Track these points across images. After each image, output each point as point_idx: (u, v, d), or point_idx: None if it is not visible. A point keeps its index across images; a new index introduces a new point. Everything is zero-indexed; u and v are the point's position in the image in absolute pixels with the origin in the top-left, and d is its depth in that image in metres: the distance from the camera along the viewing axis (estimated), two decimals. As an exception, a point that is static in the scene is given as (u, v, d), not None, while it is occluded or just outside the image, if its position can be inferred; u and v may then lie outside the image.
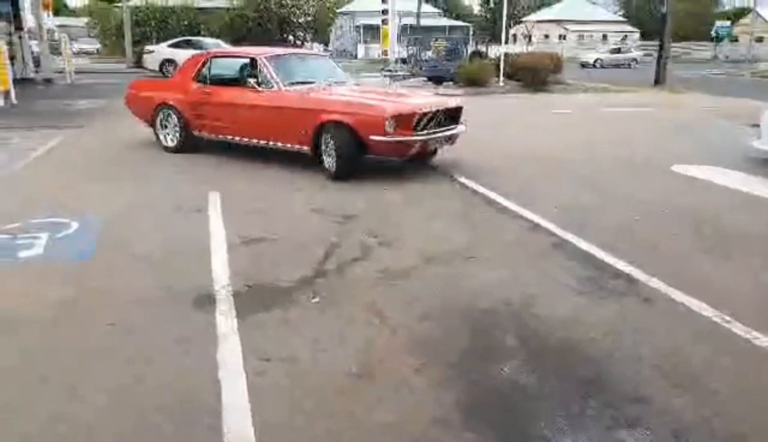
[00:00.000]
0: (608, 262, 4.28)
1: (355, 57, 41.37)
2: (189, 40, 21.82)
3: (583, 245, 4.63)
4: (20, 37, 17.11)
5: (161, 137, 8.07)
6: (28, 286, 3.81)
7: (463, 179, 6.76)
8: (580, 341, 3.17)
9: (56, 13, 34.07)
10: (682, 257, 4.45)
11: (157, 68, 20.94)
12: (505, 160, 8.06)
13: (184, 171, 7.08)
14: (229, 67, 7.98)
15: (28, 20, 17.99)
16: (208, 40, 21.67)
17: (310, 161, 6.90)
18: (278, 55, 7.59)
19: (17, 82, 14.32)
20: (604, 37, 57.23)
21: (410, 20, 34.01)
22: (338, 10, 44.83)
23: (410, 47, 23.61)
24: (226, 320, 3.34)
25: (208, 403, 2.59)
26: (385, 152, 6.60)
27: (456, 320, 3.41)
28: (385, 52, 26.83)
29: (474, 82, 18.14)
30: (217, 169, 7.18)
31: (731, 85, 23.35)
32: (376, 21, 30.09)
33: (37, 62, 18.15)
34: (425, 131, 6.59)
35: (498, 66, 19.35)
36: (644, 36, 58.70)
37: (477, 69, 18.64)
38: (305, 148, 6.79)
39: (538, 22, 57.66)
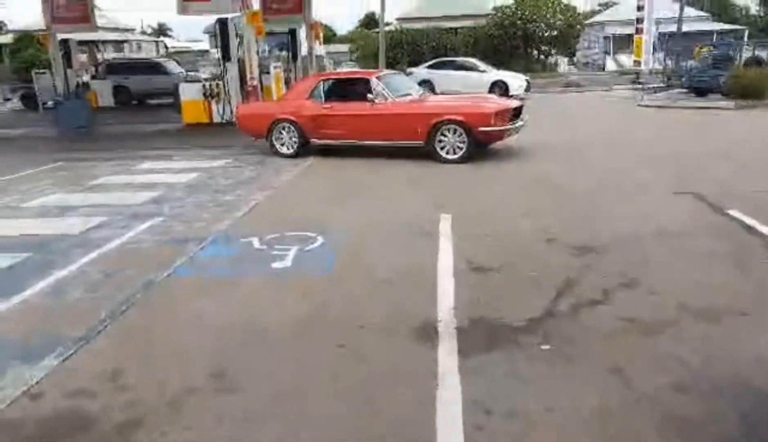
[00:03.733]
0: None
1: (603, 69, 38.76)
2: (443, 61, 22.34)
3: None
4: (294, 66, 19.70)
5: (277, 148, 9.89)
6: (274, 297, 4.18)
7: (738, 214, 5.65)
8: None
9: (327, 41, 38.73)
10: None
11: None
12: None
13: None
14: (338, 86, 10.02)
15: (303, 49, 20.58)
16: (460, 60, 22.01)
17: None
18: (381, 76, 9.71)
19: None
20: None
21: (671, 27, 30.67)
22: (586, 22, 42.64)
23: (669, 56, 21.16)
24: (448, 357, 3.20)
25: (422, 450, 2.45)
26: (489, 140, 8.95)
27: (722, 400, 2.74)
28: (637, 63, 24.57)
29: (749, 94, 15.42)
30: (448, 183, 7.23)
31: None
32: (628, 30, 27.82)
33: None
34: (510, 123, 8.82)
35: (782, 74, 16.17)
36: None
37: (755, 78, 15.81)
38: (420, 143, 8.90)
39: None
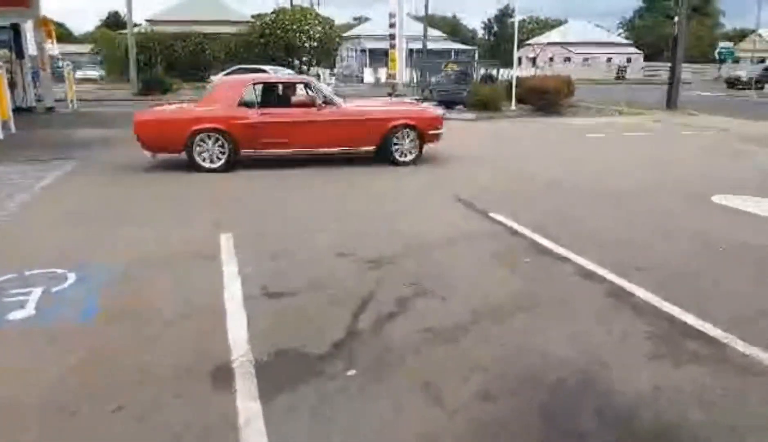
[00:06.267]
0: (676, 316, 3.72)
1: (362, 81, 41.18)
2: (241, 69, 20.86)
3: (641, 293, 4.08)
4: (20, 66, 16.79)
5: (199, 161, 8.43)
6: (20, 357, 3.26)
7: (499, 217, 6.23)
8: (671, 422, 2.61)
9: (60, 40, 34.02)
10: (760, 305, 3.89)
11: None
12: (548, 190, 7.54)
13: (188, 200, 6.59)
14: (272, 91, 9.27)
15: (30, 48, 17.67)
16: (266, 67, 20.58)
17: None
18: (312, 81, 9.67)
19: (17, 111, 13.95)
20: (609, 59, 57.09)
21: (416, 44, 33.90)
22: (344, 35, 44.88)
23: (418, 71, 23.24)
24: (247, 404, 2.79)
25: None
26: (434, 141, 9.36)
27: (523, 398, 2.84)
28: (392, 76, 26.54)
29: (486, 106, 17.72)
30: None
31: (742, 106, 22.87)
32: (382, 45, 29.95)
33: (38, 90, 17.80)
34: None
35: (509, 90, 18.94)
36: (648, 58, 58.66)
37: (489, 93, 18.23)
38: (372, 148, 9.02)
39: (544, 45, 57.69)
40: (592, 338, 3.47)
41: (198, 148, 8.40)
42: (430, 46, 40.08)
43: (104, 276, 4.40)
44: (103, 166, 9.15)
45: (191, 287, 4.22)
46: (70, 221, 6.00)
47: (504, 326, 3.62)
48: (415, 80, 24.14)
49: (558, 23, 68.46)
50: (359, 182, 8.02)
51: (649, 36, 62.19)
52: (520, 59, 46.47)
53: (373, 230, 5.69)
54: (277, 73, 19.87)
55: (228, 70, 20.80)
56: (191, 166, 8.47)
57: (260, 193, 7.44)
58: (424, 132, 9.10)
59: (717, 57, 52.49)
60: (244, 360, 3.17)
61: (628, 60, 58.10)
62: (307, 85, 9.21)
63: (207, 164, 8.43)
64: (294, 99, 9.08)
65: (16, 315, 3.75)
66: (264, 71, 18.93)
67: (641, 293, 4.11)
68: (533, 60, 56.83)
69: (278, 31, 34.50)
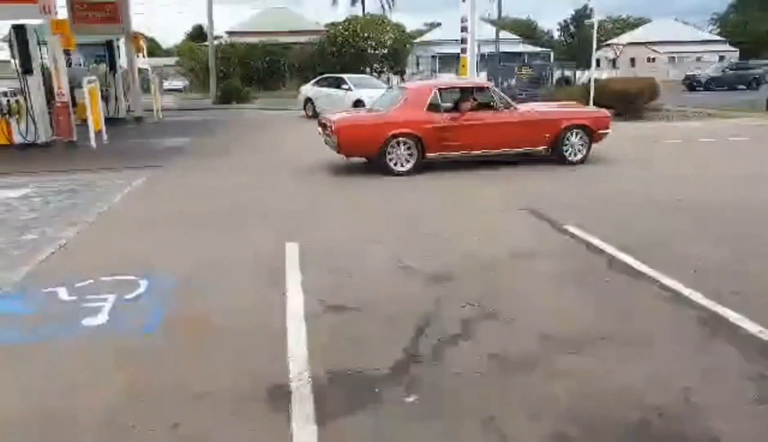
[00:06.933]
0: (784, 350, 3.31)
1: (433, 86, 41.03)
2: (325, 78, 20.96)
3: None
4: (114, 78, 17.85)
5: (390, 165, 8.87)
6: (89, 363, 3.36)
7: (574, 229, 5.90)
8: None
9: (149, 53, 36.07)
10: None
11: (302, 107, 20.18)
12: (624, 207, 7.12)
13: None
14: (452, 96, 9.67)
15: (122, 61, 18.77)
16: (335, 76, 20.58)
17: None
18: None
19: (109, 121, 14.84)
20: (699, 58, 53.78)
21: (489, 48, 33.31)
22: (415, 41, 44.92)
23: (491, 75, 22.83)
24: (303, 427, 2.71)
25: None
26: (601, 140, 9.80)
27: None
28: (464, 81, 26.16)
29: (561, 108, 17.09)
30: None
31: None
32: (454, 49, 29.61)
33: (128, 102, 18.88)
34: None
35: (587, 93, 18.17)
36: (744, 56, 54.81)
37: (565, 97, 17.56)
38: (544, 147, 9.50)
39: (625, 45, 55.19)
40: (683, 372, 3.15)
41: (390, 152, 8.80)
42: (504, 49, 39.30)
43: (174, 284, 4.50)
44: (175, 174, 9.53)
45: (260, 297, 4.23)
46: (148, 227, 6.23)
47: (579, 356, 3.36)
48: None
49: (641, 22, 65.32)
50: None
51: (745, 33, 58.12)
52: (598, 61, 44.70)
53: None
54: (360, 80, 20.05)
55: (315, 80, 20.85)
56: (383, 170, 8.85)
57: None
58: (594, 132, 9.56)
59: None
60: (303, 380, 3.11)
61: (721, 58, 54.52)
62: (486, 89, 9.62)
63: (399, 168, 8.86)
64: (475, 103, 9.32)
65: (91, 322, 3.89)
66: (342, 79, 19.13)
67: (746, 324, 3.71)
68: (613, 61, 54.52)
69: (350, 40, 34.93)
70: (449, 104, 9.45)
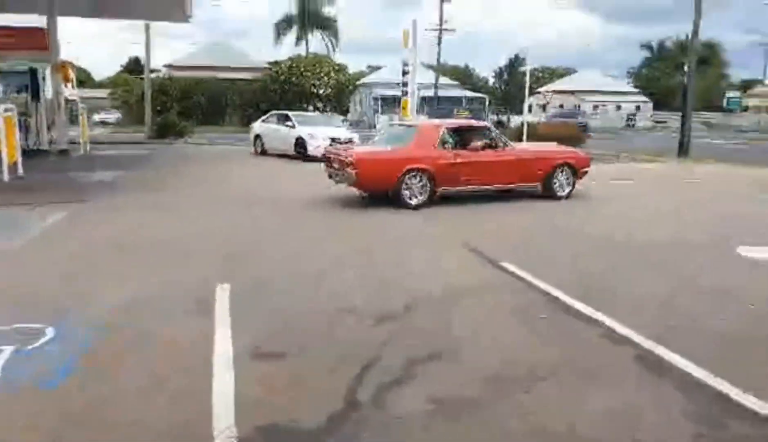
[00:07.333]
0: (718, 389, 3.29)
1: (374, 126, 41.55)
2: (272, 114, 20.42)
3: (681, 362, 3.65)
4: (36, 108, 16.94)
5: (405, 199, 9.09)
6: (-27, 425, 2.91)
7: (513, 268, 5.86)
8: None
9: (81, 84, 34.74)
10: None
11: (252, 143, 19.78)
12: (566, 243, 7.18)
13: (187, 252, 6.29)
14: (457, 134, 10.00)
15: (48, 91, 17.89)
16: (293, 114, 20.03)
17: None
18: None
19: (29, 153, 13.93)
20: (618, 107, 57.31)
21: (428, 92, 34.17)
22: (358, 82, 45.55)
23: (430, 116, 23.34)
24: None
25: None
26: (583, 177, 10.68)
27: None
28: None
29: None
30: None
31: (753, 154, 22.45)
32: (395, 92, 30.16)
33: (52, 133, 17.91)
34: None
35: (521, 135, 18.82)
36: (657, 106, 58.87)
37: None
38: (537, 184, 10.15)
39: (554, 92, 58.15)
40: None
41: (405, 186, 9.07)
42: (442, 93, 40.47)
43: (86, 333, 4.06)
44: (102, 209, 8.96)
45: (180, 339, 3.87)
46: (61, 267, 5.71)
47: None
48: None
49: (568, 73, 69.19)
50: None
51: (657, 85, 62.53)
52: (530, 107, 46.77)
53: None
54: (306, 117, 20.00)
55: (264, 117, 20.41)
56: (398, 203, 9.03)
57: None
58: (578, 170, 10.47)
59: (724, 106, 52.63)
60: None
61: (637, 108, 58.34)
62: (486, 129, 10.37)
63: (414, 201, 9.13)
64: (478, 142, 9.86)
65: (-15, 375, 3.41)
66: (288, 116, 18.96)
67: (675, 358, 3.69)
68: (543, 107, 57.19)
69: (293, 78, 34.97)
70: (454, 142, 9.83)
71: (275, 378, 3.43)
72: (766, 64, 58.68)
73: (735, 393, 3.25)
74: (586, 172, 10.70)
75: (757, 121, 51.97)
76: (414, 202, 9.14)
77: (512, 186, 10.06)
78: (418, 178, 9.18)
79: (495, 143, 9.91)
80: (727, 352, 3.88)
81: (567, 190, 10.32)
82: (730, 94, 54.76)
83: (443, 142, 9.57)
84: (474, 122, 11.94)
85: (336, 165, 9.46)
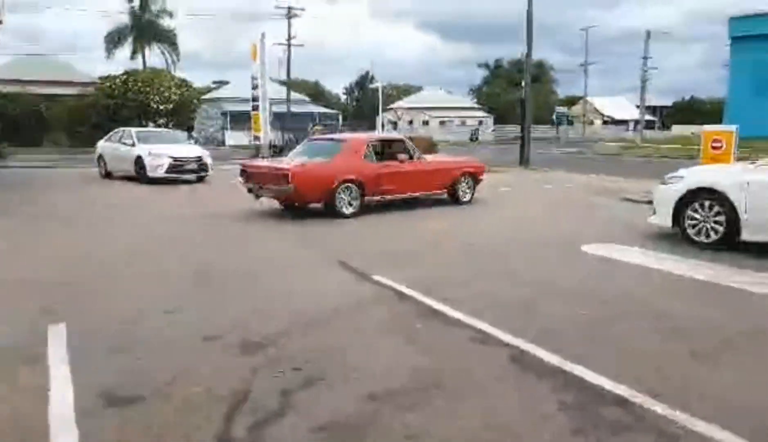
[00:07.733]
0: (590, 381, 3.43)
1: (223, 144, 39.92)
2: (117, 132, 17.97)
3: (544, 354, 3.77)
4: None
5: (340, 208, 9.59)
6: None
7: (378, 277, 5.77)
8: None
9: None
10: (675, 366, 3.75)
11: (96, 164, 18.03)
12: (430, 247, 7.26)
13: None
14: (380, 147, 10.87)
15: None
16: (134, 130, 17.86)
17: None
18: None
19: None
20: (463, 122, 61.34)
21: (280, 107, 33.69)
22: (203, 97, 43.51)
23: (289, 133, 23.04)
24: None
25: None
26: (479, 184, 11.89)
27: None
28: (257, 138, 25.85)
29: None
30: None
31: (582, 162, 25.24)
32: (245, 107, 29.28)
33: None
34: None
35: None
36: (497, 121, 63.98)
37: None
38: (444, 191, 11.24)
39: (405, 109, 60.70)
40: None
41: (339, 197, 9.56)
42: (294, 109, 40.19)
43: None
44: None
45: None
46: None
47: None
48: (282, 142, 23.95)
49: (414, 90, 72.75)
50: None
51: (497, 101, 67.91)
52: (382, 123, 48.22)
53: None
54: (150, 134, 18.53)
55: (108, 136, 18.23)
56: (332, 213, 9.52)
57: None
58: (477, 177, 11.70)
59: (554, 120, 58.61)
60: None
61: (480, 123, 62.91)
62: (403, 142, 11.13)
63: (347, 211, 9.64)
64: (396, 154, 10.58)
65: None
66: (129, 134, 17.38)
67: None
68: (395, 123, 59.44)
69: (129, 94, 32.26)
70: (379, 154, 10.61)
71: (130, 428, 2.93)
72: (586, 81, 65.74)
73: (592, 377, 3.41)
74: (481, 180, 11.90)
75: (581, 134, 58.75)
76: (348, 211, 9.66)
77: (425, 194, 11.02)
78: (351, 189, 9.74)
79: (411, 155, 10.69)
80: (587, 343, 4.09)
81: (469, 196, 11.46)
82: (559, 109, 60.91)
83: (368, 155, 10.24)
84: (392, 136, 13.30)
85: (258, 180, 9.82)
